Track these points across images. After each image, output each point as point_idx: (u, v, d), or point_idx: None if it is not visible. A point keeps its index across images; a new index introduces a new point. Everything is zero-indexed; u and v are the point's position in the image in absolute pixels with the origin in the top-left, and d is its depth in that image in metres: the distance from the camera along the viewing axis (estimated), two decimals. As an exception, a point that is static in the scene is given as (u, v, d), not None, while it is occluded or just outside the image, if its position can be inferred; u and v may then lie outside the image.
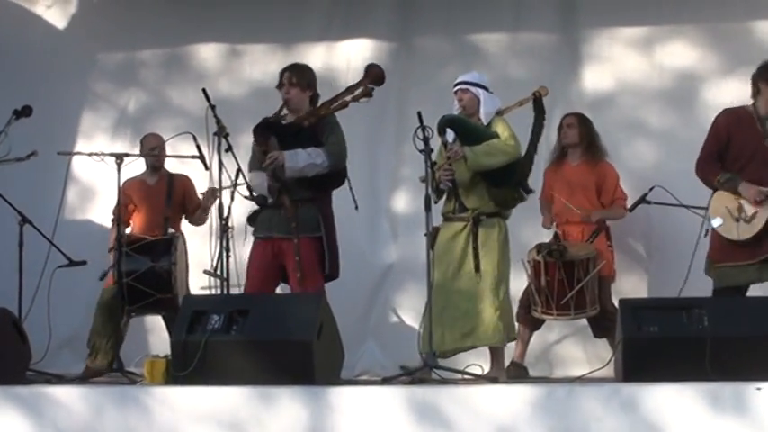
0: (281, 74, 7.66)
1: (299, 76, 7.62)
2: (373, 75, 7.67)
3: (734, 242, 7.44)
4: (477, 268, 7.70)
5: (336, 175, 7.58)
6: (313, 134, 7.50)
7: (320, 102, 7.67)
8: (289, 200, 7.45)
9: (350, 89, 7.61)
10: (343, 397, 6.03)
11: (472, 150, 7.69)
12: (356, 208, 7.68)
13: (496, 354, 7.82)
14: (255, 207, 7.61)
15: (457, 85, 7.99)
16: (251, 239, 7.73)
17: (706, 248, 7.66)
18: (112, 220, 8.82)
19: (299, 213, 7.44)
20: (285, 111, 7.66)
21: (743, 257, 7.42)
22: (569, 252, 7.97)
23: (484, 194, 7.80)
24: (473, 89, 7.93)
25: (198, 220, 8.82)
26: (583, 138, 8.51)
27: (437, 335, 7.39)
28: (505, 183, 7.81)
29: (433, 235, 7.34)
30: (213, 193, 8.14)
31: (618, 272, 8.53)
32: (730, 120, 7.58)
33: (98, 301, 8.60)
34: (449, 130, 7.81)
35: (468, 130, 7.84)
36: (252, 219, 7.67)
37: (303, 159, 7.43)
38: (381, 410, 5.96)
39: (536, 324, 8.30)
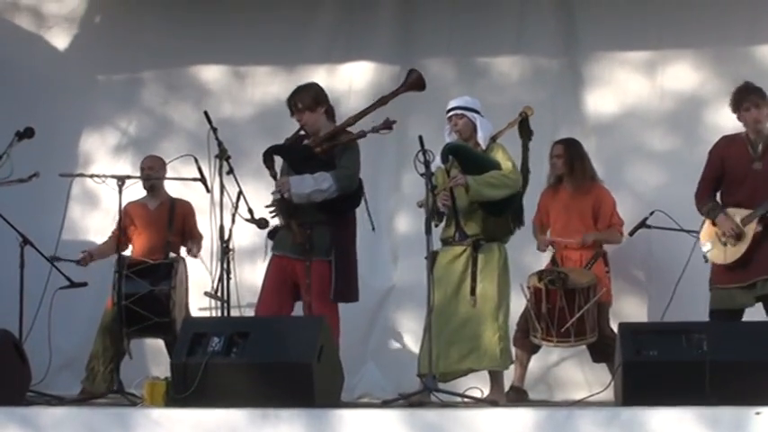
0: (288, 103, 7.64)
1: (304, 99, 7.60)
2: (412, 81, 7.74)
3: (725, 265, 7.53)
4: (472, 291, 7.69)
5: (349, 198, 7.56)
6: (329, 156, 7.50)
7: (336, 116, 7.68)
8: (296, 224, 7.45)
9: (384, 99, 7.66)
10: (343, 419, 6.03)
11: (475, 180, 7.66)
12: (372, 229, 7.69)
13: (496, 377, 7.81)
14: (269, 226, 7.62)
15: (451, 110, 7.96)
16: (254, 261, 7.71)
17: (706, 275, 7.70)
18: (110, 237, 8.82)
19: (312, 236, 7.44)
20: (305, 134, 7.64)
21: (733, 281, 7.50)
22: (571, 279, 7.94)
23: (482, 220, 7.79)
24: (468, 114, 7.89)
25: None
26: (570, 164, 8.45)
27: (435, 358, 7.36)
28: (503, 213, 7.80)
29: (431, 259, 7.33)
30: None
31: (618, 296, 8.53)
32: (723, 145, 7.72)
33: (99, 325, 8.60)
34: (451, 158, 7.79)
35: (471, 159, 7.81)
36: (272, 235, 7.64)
37: (309, 185, 7.41)
38: (381, 433, 5.96)
39: (534, 348, 8.27)
